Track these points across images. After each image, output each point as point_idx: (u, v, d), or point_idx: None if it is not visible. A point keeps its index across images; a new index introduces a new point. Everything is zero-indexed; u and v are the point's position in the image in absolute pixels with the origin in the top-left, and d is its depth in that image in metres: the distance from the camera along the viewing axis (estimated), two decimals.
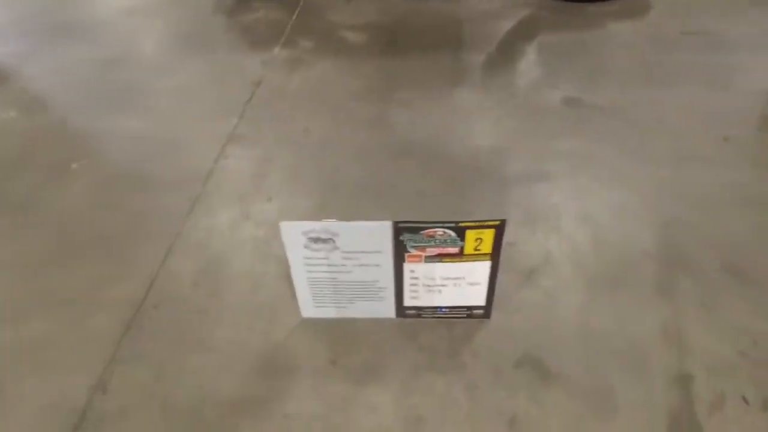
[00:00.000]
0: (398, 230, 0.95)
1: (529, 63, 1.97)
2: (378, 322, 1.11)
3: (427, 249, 0.97)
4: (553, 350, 1.04)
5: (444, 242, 0.96)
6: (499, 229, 0.93)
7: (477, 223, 0.93)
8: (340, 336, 1.09)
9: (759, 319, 1.07)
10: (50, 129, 1.77)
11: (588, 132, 1.59)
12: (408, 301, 1.08)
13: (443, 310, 1.09)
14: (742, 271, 1.16)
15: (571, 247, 1.24)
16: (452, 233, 0.95)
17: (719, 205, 1.33)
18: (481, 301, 1.07)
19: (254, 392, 1.00)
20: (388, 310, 1.10)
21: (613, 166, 1.47)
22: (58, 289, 1.22)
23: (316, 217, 0.96)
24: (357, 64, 1.99)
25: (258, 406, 0.98)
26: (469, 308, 1.08)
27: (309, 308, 1.11)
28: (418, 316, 1.10)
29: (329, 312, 1.11)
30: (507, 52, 2.03)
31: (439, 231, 0.94)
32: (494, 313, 1.09)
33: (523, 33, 2.14)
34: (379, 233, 0.96)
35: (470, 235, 0.94)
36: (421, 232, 0.95)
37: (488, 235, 0.94)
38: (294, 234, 0.97)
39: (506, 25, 2.18)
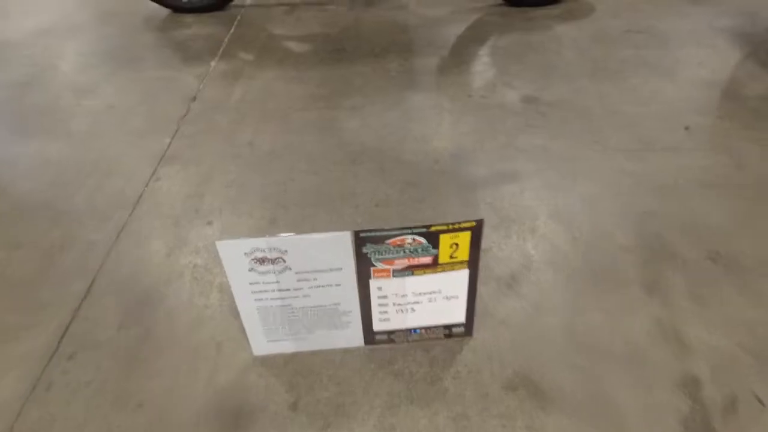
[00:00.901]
0: (360, 241, 0.80)
1: (482, 65, 1.91)
2: (344, 353, 0.95)
3: (396, 261, 0.84)
4: (544, 365, 0.92)
5: (414, 251, 0.83)
6: (476, 231, 0.81)
7: (451, 226, 0.80)
8: (300, 373, 0.92)
9: (752, 307, 1.00)
10: None
11: (549, 128, 1.53)
12: (377, 325, 0.93)
13: (418, 331, 0.95)
14: (726, 259, 1.10)
15: (549, 248, 1.14)
16: (423, 240, 0.81)
17: (691, 193, 1.28)
18: (460, 317, 0.93)
19: None
20: (355, 337, 0.94)
21: (578, 161, 1.40)
22: None
23: None
24: (302, 73, 1.86)
25: None
26: (448, 326, 0.95)
27: (261, 344, 0.94)
28: (391, 341, 0.95)
29: (285, 346, 0.94)
30: (459, 55, 1.97)
31: (408, 238, 0.81)
32: (476, 330, 0.96)
33: (474, 37, 2.10)
34: (338, 246, 0.81)
35: (445, 240, 0.81)
36: (387, 241, 0.81)
37: (464, 238, 0.82)
38: (235, 255, 0.81)
39: (455, 30, 2.13)
